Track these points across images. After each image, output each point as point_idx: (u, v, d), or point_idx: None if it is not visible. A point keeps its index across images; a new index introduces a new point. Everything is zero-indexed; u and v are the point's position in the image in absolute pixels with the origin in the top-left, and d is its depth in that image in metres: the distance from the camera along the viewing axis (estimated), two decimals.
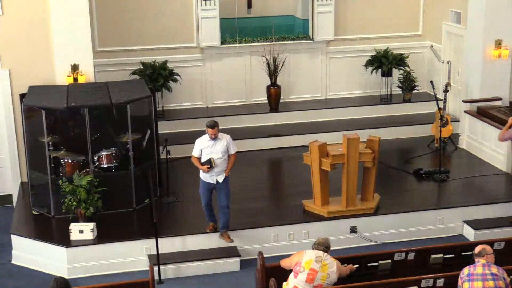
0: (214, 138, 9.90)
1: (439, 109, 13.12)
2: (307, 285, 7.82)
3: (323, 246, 8.03)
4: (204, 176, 10.07)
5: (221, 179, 10.04)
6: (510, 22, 13.08)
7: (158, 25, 14.45)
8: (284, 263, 8.26)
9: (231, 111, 14.65)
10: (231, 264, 10.16)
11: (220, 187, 10.07)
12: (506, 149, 12.40)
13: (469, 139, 13.56)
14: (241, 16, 15.30)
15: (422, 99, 15.26)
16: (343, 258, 8.73)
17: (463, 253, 8.90)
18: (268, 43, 14.72)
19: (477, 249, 7.66)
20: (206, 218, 10.38)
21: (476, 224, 10.95)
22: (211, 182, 10.05)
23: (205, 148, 9.94)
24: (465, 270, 7.58)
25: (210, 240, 10.33)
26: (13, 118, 11.94)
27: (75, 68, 11.79)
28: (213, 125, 9.88)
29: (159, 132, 12.07)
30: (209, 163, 9.91)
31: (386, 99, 15.26)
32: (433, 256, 8.90)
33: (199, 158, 10.04)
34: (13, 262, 10.45)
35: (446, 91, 13.85)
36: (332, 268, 7.91)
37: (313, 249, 8.06)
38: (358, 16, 15.30)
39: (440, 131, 12.83)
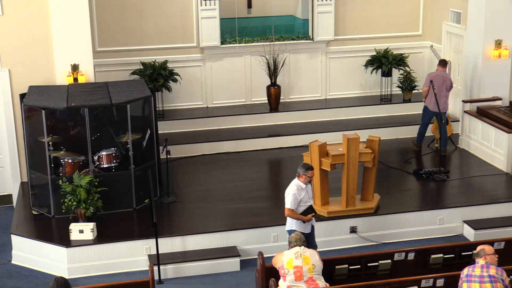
0: (310, 181, 9.24)
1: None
2: (299, 283, 7.84)
3: (301, 241, 8.02)
4: (304, 227, 9.13)
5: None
6: (510, 22, 13.08)
7: (158, 25, 14.44)
8: (274, 264, 8.26)
9: (231, 111, 14.65)
10: (231, 264, 10.15)
11: (313, 231, 9.41)
12: (506, 149, 12.40)
13: (469, 139, 13.55)
14: (241, 16, 15.29)
15: (422, 99, 15.21)
16: (343, 258, 8.74)
17: (463, 253, 8.92)
18: (268, 43, 14.72)
19: (477, 249, 7.64)
20: None
21: (476, 224, 10.94)
22: (309, 231, 9.30)
23: (304, 196, 9.16)
24: (465, 271, 7.58)
25: (210, 240, 10.33)
26: (13, 118, 11.93)
27: (75, 68, 11.79)
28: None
29: (159, 132, 12.07)
30: (313, 210, 9.19)
31: (386, 99, 15.26)
32: (433, 256, 8.91)
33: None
34: (13, 262, 10.43)
35: None
36: (314, 257, 7.91)
37: (289, 248, 8.07)
38: (358, 16, 15.30)
39: (440, 131, 12.82)
